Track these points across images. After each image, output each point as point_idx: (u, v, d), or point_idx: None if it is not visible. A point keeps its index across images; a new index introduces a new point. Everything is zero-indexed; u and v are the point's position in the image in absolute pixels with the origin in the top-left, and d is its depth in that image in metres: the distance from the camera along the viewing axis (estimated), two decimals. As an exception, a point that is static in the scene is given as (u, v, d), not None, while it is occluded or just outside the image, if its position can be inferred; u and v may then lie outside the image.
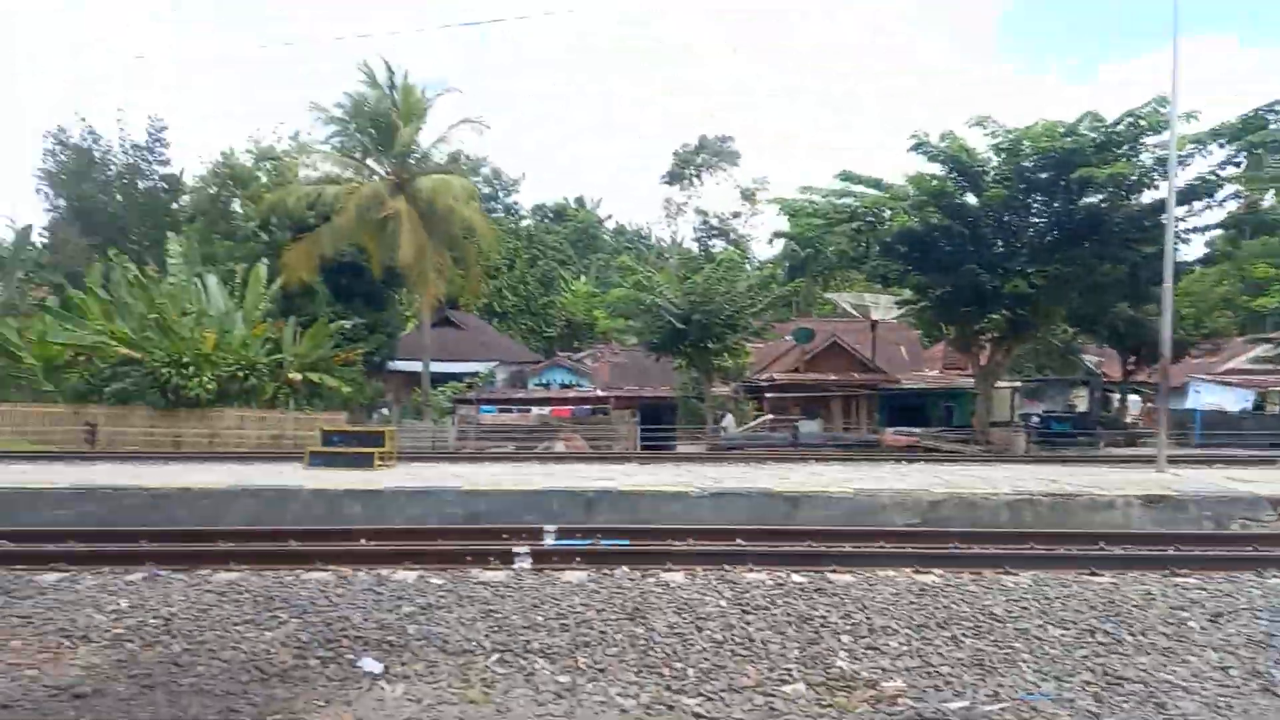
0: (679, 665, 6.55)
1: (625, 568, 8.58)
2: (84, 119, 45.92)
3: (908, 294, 30.69)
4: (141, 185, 43.88)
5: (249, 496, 12.52)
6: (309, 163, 35.92)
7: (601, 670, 6.52)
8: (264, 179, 37.13)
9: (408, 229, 27.77)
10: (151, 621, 7.25)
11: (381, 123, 30.03)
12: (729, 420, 25.62)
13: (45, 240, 44.84)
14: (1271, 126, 19.67)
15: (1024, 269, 21.06)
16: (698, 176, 69.74)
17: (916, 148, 22.71)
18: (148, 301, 28.23)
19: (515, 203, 67.19)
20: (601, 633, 7.07)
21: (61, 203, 43.96)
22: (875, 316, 33.01)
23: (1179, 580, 8.33)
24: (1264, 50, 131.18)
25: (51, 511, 12.32)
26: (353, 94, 30.93)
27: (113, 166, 43.74)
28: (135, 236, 41.65)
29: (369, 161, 31.54)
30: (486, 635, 7.07)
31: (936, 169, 22.58)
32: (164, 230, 39.20)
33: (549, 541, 10.09)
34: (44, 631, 7.05)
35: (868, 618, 7.23)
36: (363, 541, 10.18)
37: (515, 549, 9.14)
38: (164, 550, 9.31)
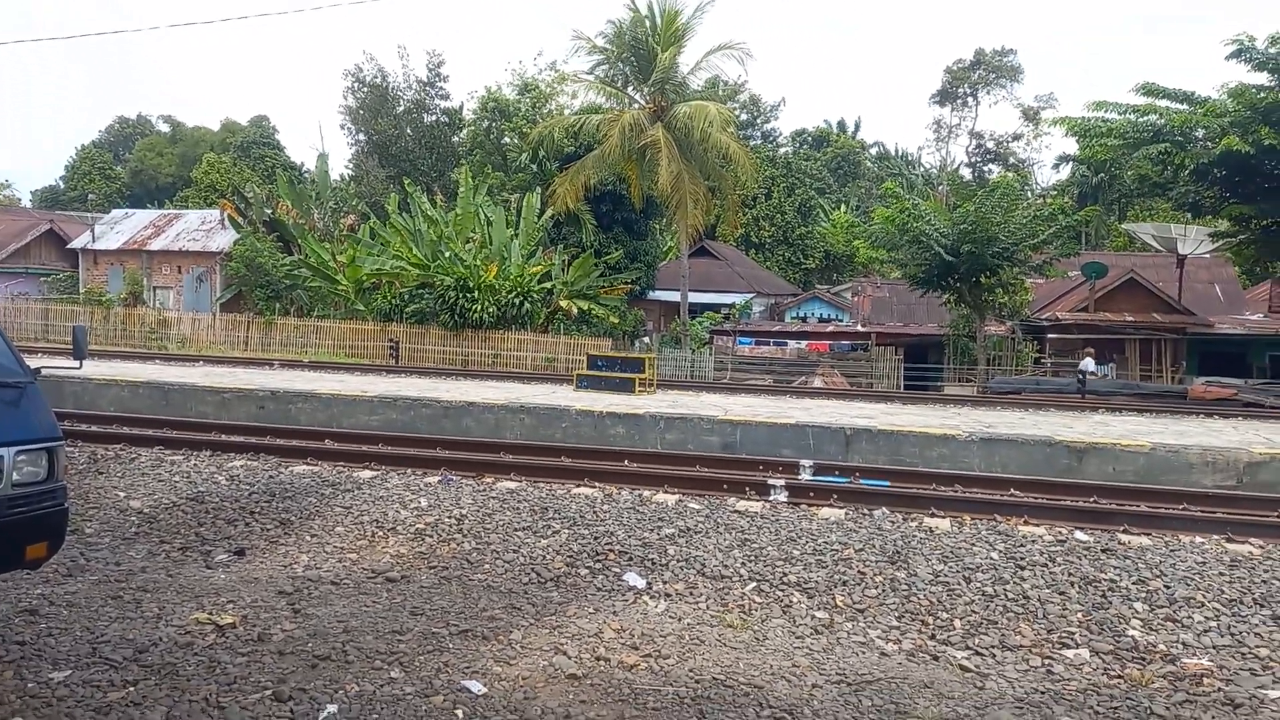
0: (944, 615, 6.28)
1: (885, 509, 8.36)
2: (373, 57, 49.35)
3: (1224, 225, 26.80)
4: (426, 119, 47.04)
5: (526, 413, 13.52)
6: (569, 91, 36.99)
7: (861, 611, 6.40)
8: (524, 111, 38.53)
9: (665, 157, 28.10)
10: (446, 520, 8.08)
11: (641, 50, 30.30)
12: (1089, 364, 21.58)
13: (350, 172, 49.82)
14: None
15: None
16: (972, 95, 64.37)
17: (1238, 54, 19.52)
18: (437, 231, 31.00)
19: (774, 129, 65.51)
20: (860, 573, 6.93)
21: (362, 137, 48.40)
22: (1183, 251, 29.03)
23: None
24: None
25: (365, 417, 14.08)
26: (615, 21, 31.45)
27: (401, 102, 47.13)
28: (424, 168, 45.15)
29: (629, 90, 32.07)
30: (743, 564, 7.17)
31: (1263, 79, 19.32)
32: (448, 162, 42.20)
33: (805, 476, 10.01)
34: (361, 521, 8.09)
35: (1166, 586, 6.50)
36: (626, 462, 10.69)
37: (771, 481, 9.17)
38: (456, 458, 10.33)
